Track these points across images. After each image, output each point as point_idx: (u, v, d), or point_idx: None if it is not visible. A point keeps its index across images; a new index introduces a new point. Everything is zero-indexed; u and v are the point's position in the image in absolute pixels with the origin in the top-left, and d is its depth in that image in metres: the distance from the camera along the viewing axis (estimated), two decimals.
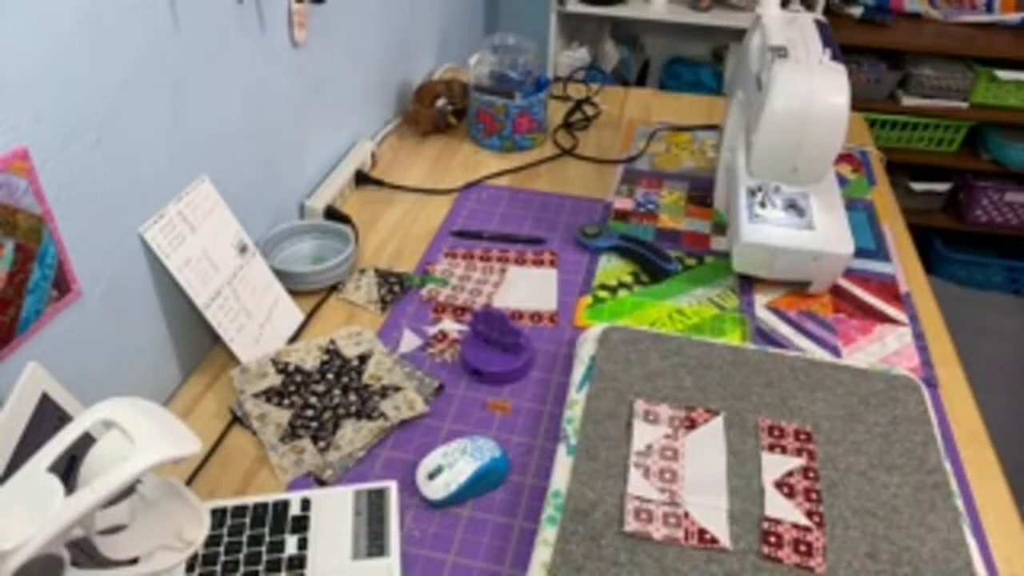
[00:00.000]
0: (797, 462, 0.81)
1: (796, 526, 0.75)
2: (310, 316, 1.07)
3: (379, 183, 1.36)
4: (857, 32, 2.29)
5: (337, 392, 0.93)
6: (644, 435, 0.84)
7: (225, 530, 0.78)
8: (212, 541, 0.77)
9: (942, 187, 2.55)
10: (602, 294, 1.12)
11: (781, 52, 1.05)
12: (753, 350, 0.95)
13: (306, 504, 0.80)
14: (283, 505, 0.80)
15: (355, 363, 0.97)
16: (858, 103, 2.34)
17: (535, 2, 2.50)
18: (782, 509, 0.77)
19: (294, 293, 1.07)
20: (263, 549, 0.76)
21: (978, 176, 2.49)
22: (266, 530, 0.78)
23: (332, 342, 1.01)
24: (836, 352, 1.01)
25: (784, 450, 0.82)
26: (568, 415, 0.87)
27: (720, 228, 1.26)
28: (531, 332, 1.05)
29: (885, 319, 1.07)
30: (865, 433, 0.84)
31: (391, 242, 1.23)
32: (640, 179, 1.39)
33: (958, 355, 1.02)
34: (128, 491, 0.55)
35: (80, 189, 0.77)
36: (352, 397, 0.93)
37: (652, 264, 1.14)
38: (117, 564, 0.55)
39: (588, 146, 1.51)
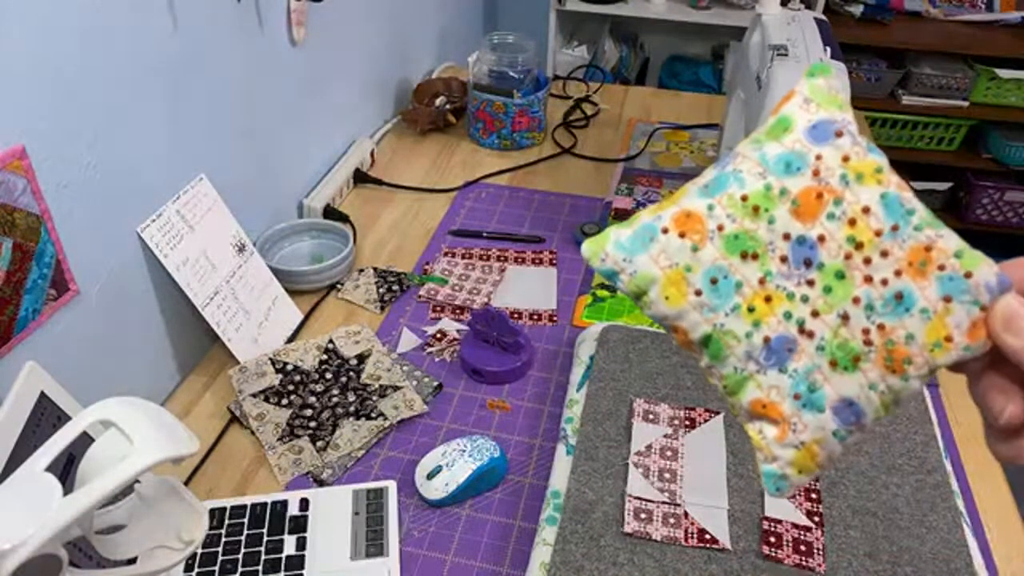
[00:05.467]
0: None
1: (796, 526, 0.75)
2: (309, 315, 1.07)
3: (378, 182, 1.36)
4: (857, 31, 2.28)
5: (336, 392, 0.93)
6: (644, 435, 0.83)
7: (224, 530, 0.78)
8: (211, 541, 0.77)
9: (942, 186, 2.55)
10: (601, 293, 1.12)
11: (781, 51, 1.05)
12: None
13: (305, 504, 0.80)
14: (282, 505, 0.80)
15: (354, 362, 0.97)
16: (858, 102, 2.33)
17: (534, 0, 2.50)
18: (782, 509, 0.76)
19: (293, 292, 1.07)
20: (262, 549, 0.76)
21: (978, 175, 2.49)
22: (265, 530, 0.77)
23: (331, 341, 1.00)
24: None
25: None
26: (567, 415, 0.87)
27: None
28: (530, 331, 1.05)
29: None
30: (865, 432, 0.84)
31: (390, 241, 1.23)
32: (640, 178, 1.39)
33: None
34: (126, 491, 0.54)
35: (78, 188, 0.77)
36: (351, 396, 0.92)
37: None
38: (116, 564, 0.55)
39: (587, 145, 1.50)
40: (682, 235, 0.43)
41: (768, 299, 0.42)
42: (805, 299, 0.42)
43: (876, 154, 0.41)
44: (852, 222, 0.41)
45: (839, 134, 0.41)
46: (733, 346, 0.43)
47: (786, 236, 0.42)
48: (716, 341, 0.43)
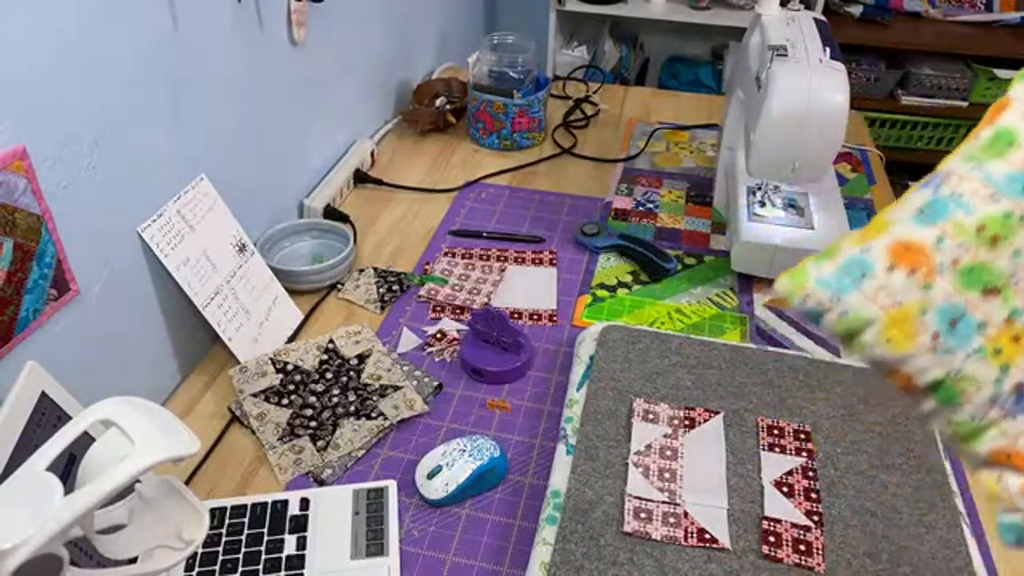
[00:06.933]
0: (796, 461, 0.81)
1: (795, 525, 0.75)
2: (309, 315, 1.07)
3: (378, 182, 1.36)
4: (856, 31, 2.29)
5: (336, 391, 0.93)
6: (643, 434, 0.84)
7: (224, 529, 0.78)
8: (211, 540, 0.77)
9: None
10: (601, 293, 1.12)
11: (780, 51, 1.05)
12: (752, 349, 0.95)
13: (305, 503, 0.80)
14: (282, 504, 0.80)
15: (354, 362, 0.97)
16: (857, 102, 2.33)
17: (534, 1, 2.50)
18: (782, 508, 0.77)
19: (293, 292, 1.07)
20: (262, 548, 0.76)
21: None
22: (265, 529, 0.77)
23: (331, 341, 1.00)
24: (836, 351, 1.01)
25: (783, 449, 0.82)
26: (567, 414, 0.87)
27: (720, 227, 1.26)
28: (530, 331, 1.05)
29: None
30: (864, 432, 0.84)
31: (390, 241, 1.23)
32: (639, 178, 1.39)
33: None
34: (127, 490, 0.55)
35: (79, 188, 0.77)
36: (351, 396, 0.92)
37: (651, 263, 1.14)
38: (116, 563, 0.55)
39: (587, 145, 1.50)
40: (912, 270, 0.38)
41: (1017, 339, 0.38)
42: None
43: None
44: None
45: None
46: (972, 393, 0.39)
47: None
48: (949, 387, 0.39)
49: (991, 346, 0.38)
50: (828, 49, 1.06)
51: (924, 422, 0.46)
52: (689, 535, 0.74)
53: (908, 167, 2.53)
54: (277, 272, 1.06)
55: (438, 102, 1.55)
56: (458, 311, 1.08)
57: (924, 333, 0.39)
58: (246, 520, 0.78)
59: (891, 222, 0.40)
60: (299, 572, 0.74)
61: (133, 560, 0.56)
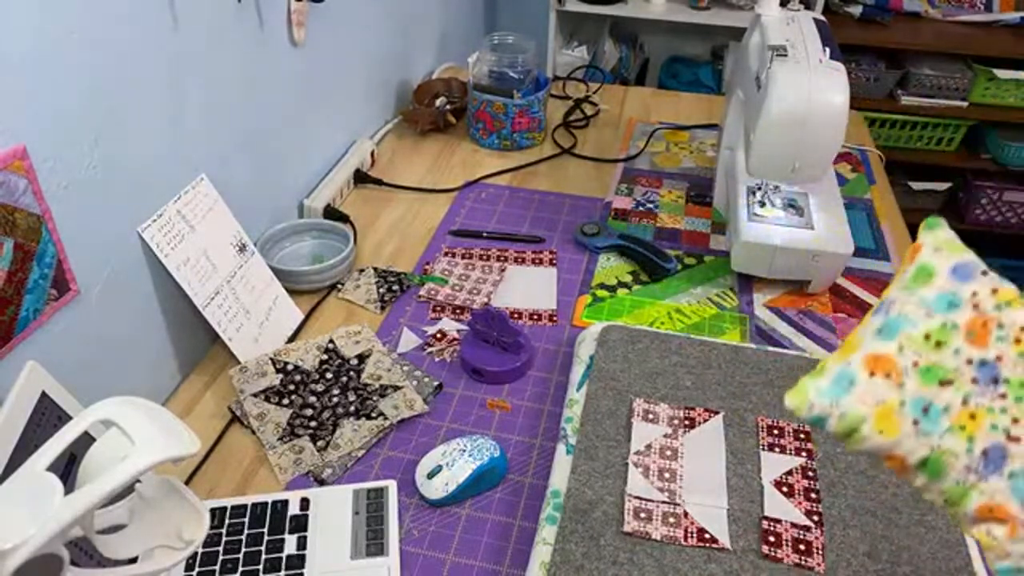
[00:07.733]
0: (796, 461, 0.81)
1: (795, 525, 0.75)
2: (309, 315, 1.07)
3: (378, 182, 1.36)
4: (856, 31, 2.28)
5: (336, 391, 0.93)
6: (643, 434, 0.84)
7: (224, 529, 0.78)
8: (211, 540, 0.77)
9: (941, 186, 2.55)
10: (601, 293, 1.12)
11: (780, 51, 1.05)
12: (752, 349, 0.95)
13: (305, 503, 0.80)
14: (282, 504, 0.80)
15: (354, 362, 0.97)
16: (857, 102, 2.33)
17: (534, 1, 2.50)
18: (781, 508, 0.77)
19: (293, 292, 1.07)
20: (262, 548, 0.76)
21: (977, 175, 2.49)
22: (265, 529, 0.78)
23: (331, 341, 1.00)
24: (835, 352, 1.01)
25: (783, 449, 0.82)
26: (567, 414, 0.87)
27: (719, 227, 1.26)
28: (530, 331, 1.05)
29: None
30: None
31: (390, 241, 1.23)
32: (639, 178, 1.39)
33: None
34: (127, 490, 0.55)
35: (79, 188, 0.77)
36: (351, 396, 0.93)
37: (651, 263, 1.14)
38: (116, 563, 0.55)
39: (587, 145, 1.51)
40: (887, 375, 0.49)
41: (973, 416, 0.49)
42: (1004, 410, 0.49)
43: (1008, 283, 0.50)
44: (1018, 340, 0.49)
45: (985, 273, 0.50)
46: (952, 463, 0.49)
47: (969, 361, 0.49)
48: (935, 461, 0.49)
49: (957, 424, 0.49)
50: (828, 49, 1.06)
51: (920, 494, 0.60)
52: (689, 535, 0.74)
53: (908, 167, 2.53)
54: (277, 272, 1.06)
55: (438, 102, 1.55)
56: (458, 311, 1.08)
57: (906, 421, 0.49)
58: (246, 520, 0.78)
59: (860, 341, 0.51)
60: (299, 572, 0.74)
61: (133, 560, 0.56)
